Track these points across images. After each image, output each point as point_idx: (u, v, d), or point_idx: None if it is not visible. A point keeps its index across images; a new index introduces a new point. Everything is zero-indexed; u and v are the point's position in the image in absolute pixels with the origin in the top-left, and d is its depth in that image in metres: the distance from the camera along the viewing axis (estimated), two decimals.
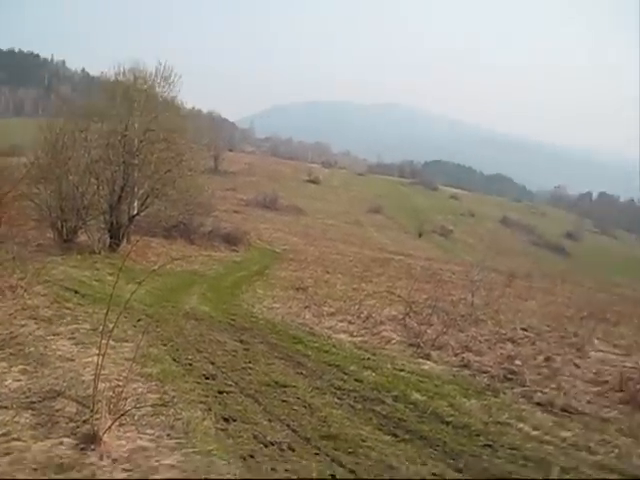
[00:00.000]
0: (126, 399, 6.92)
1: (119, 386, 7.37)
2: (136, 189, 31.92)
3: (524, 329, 19.58)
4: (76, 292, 17.29)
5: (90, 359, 9.54)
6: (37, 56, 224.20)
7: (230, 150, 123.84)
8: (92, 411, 6.38)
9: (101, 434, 6.05)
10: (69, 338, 11.17)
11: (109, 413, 6.37)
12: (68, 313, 13.58)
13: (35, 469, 5.44)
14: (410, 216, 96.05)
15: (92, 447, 5.98)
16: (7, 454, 5.67)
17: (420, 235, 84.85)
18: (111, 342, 11.31)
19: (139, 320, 14.20)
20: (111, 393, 6.95)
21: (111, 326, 12.10)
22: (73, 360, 9.59)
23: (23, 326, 11.49)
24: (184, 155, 32.99)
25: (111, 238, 31.20)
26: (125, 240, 32.14)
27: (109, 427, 6.14)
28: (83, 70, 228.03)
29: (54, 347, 10.28)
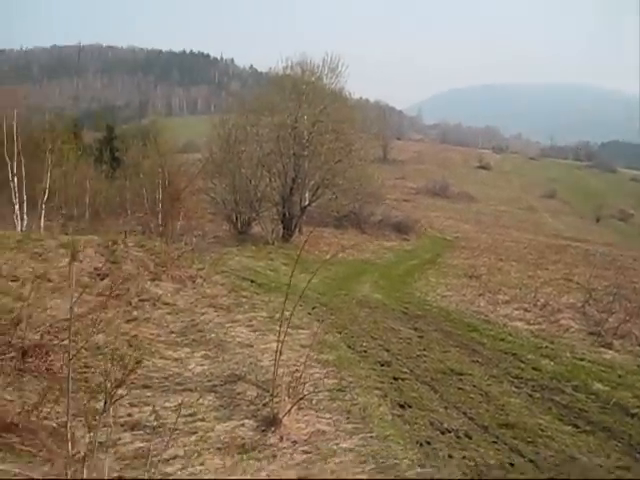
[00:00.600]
0: (304, 384, 7.02)
1: (297, 371, 7.49)
2: (307, 180, 32.45)
3: None
4: (252, 281, 17.79)
5: (268, 345, 9.76)
6: (207, 56, 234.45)
7: (398, 139, 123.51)
8: (272, 395, 6.50)
9: (281, 417, 6.18)
10: (247, 325, 11.49)
11: (288, 397, 6.49)
12: (245, 302, 13.97)
13: (219, 448, 5.63)
14: (586, 200, 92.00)
15: (272, 429, 6.12)
16: (193, 433, 5.91)
17: (598, 220, 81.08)
18: (288, 329, 11.65)
19: (314, 308, 14.47)
20: (289, 378, 7.06)
21: (287, 314, 12.42)
22: (252, 346, 9.85)
23: (203, 314, 11.94)
24: (353, 145, 33.28)
25: (284, 229, 32.00)
26: (297, 231, 32.82)
27: (289, 410, 6.26)
28: (251, 67, 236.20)
29: (233, 334, 10.61)
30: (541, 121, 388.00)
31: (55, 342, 7.83)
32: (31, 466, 4.90)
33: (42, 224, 22.75)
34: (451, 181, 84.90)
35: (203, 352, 9.16)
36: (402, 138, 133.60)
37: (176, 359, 8.68)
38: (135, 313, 10.91)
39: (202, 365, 8.50)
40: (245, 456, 5.56)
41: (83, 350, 8.26)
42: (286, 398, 6.46)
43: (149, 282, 13.67)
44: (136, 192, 32.31)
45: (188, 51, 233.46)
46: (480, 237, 49.26)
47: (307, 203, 32.72)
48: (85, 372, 7.51)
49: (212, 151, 33.67)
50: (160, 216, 30.64)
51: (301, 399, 6.55)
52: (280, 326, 7.41)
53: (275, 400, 6.47)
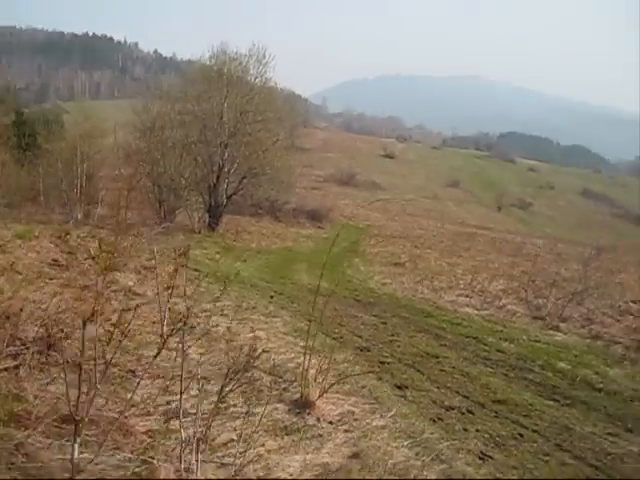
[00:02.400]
0: (328, 369, 7.40)
1: (323, 357, 7.78)
2: (233, 169, 32.57)
3: (634, 302, 19.70)
4: (197, 270, 17.93)
5: (252, 334, 10.13)
6: (111, 39, 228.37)
7: (304, 127, 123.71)
8: (304, 380, 6.90)
9: (314, 400, 6.63)
10: (221, 315, 11.73)
11: (314, 381, 6.93)
12: (205, 291, 14.18)
13: (266, 430, 6.00)
14: (488, 189, 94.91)
15: (307, 412, 6.56)
16: (236, 418, 6.21)
17: (499, 208, 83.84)
18: (261, 317, 12.06)
19: (272, 297, 14.85)
20: (306, 364, 7.40)
21: (252, 302, 12.84)
22: (239, 334, 10.15)
23: (175, 304, 12.12)
24: (279, 135, 33.63)
25: (210, 218, 32.05)
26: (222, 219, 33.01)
27: (321, 394, 6.72)
28: (155, 51, 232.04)
29: (214, 323, 10.87)
30: (443, 113, 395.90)
31: (60, 335, 7.97)
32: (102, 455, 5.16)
33: None
34: (357, 169, 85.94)
35: (195, 342, 9.40)
36: (307, 126, 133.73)
37: (173, 349, 8.91)
38: (114, 304, 11.04)
39: (202, 354, 8.71)
40: (295, 437, 5.99)
41: (86, 342, 8.47)
42: (313, 383, 6.89)
43: (107, 273, 13.75)
44: (53, 179, 31.79)
45: (91, 34, 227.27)
46: (390, 225, 50.28)
47: (233, 192, 32.87)
48: (98, 363, 7.71)
49: (135, 137, 33.38)
50: (82, 205, 30.39)
51: (333, 385, 7.00)
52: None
53: (304, 385, 6.90)
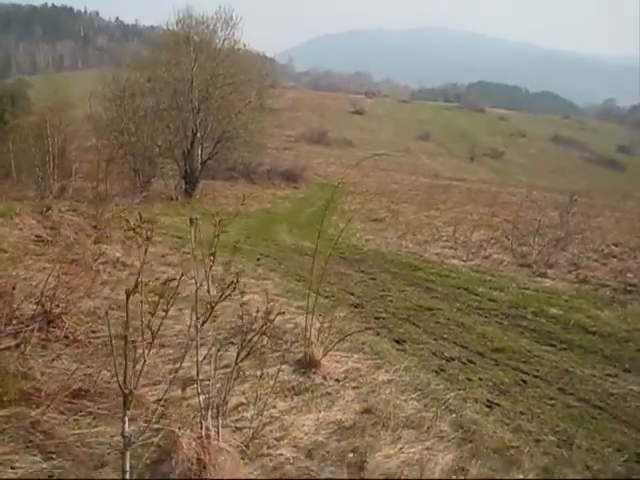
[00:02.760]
0: (330, 328, 7.42)
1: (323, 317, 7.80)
2: (207, 134, 32.36)
3: (615, 245, 19.96)
4: (179, 237, 17.87)
5: (247, 297, 10.10)
6: (71, 9, 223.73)
7: (272, 87, 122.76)
8: (307, 340, 6.92)
9: (318, 359, 6.67)
10: (212, 280, 11.70)
11: (317, 340, 6.97)
12: (190, 258, 14.13)
13: (275, 392, 6.02)
14: (459, 140, 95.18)
15: (313, 371, 6.60)
16: (243, 382, 6.21)
17: (472, 159, 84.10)
18: (252, 280, 12.05)
19: (258, 259, 14.85)
20: (307, 323, 7.41)
21: (240, 266, 12.81)
22: (232, 298, 10.12)
23: (164, 273, 12.08)
24: (251, 97, 33.38)
25: (186, 184, 31.89)
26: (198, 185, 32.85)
27: (326, 352, 6.76)
28: (117, 19, 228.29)
29: (204, 290, 10.83)
30: (409, 66, 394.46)
31: (56, 311, 7.92)
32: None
33: None
34: (328, 127, 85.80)
35: (189, 309, 9.37)
36: (275, 86, 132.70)
37: (171, 317, 8.88)
38: (104, 276, 10.99)
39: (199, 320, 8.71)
40: (304, 396, 6.03)
41: (82, 316, 8.44)
42: (316, 342, 6.93)
43: (93, 245, 13.67)
44: (24, 155, 31.37)
45: (50, 4, 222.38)
46: (365, 181, 50.29)
47: (208, 157, 32.68)
48: (98, 337, 7.69)
49: (105, 107, 32.93)
50: (55, 177, 30.04)
51: (338, 343, 7.05)
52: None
53: (306, 345, 6.93)
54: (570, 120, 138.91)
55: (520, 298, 11.72)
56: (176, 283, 4.31)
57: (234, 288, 4.84)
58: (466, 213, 31.62)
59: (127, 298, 3.78)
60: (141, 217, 3.82)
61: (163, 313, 4.00)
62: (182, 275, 4.55)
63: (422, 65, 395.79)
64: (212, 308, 4.63)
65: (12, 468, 4.41)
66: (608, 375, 7.52)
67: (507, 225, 23.36)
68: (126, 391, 3.80)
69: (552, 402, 6.45)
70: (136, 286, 3.77)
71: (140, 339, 4.28)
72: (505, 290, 12.44)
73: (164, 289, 4.02)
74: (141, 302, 3.92)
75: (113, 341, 4.05)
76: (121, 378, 3.82)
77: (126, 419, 3.85)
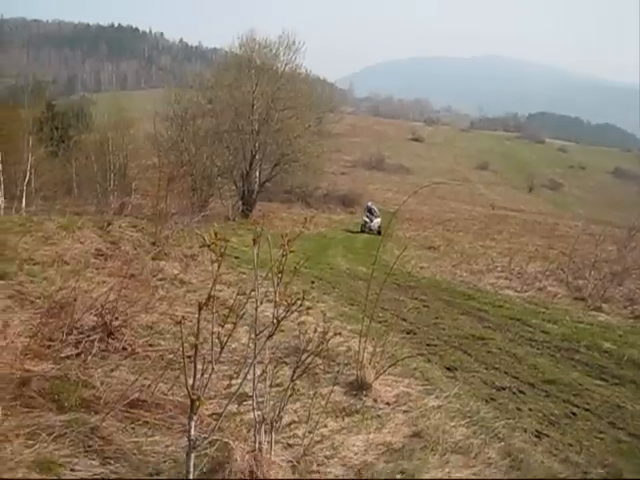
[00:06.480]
0: (382, 352, 7.55)
1: (377, 340, 7.92)
2: (265, 156, 32.82)
3: None
4: (237, 258, 18.12)
5: (301, 319, 10.23)
6: (136, 29, 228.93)
7: (331, 112, 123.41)
8: (360, 363, 7.05)
9: (370, 382, 6.79)
10: (267, 301, 11.87)
11: (369, 363, 7.09)
12: (247, 278, 14.34)
13: (326, 412, 6.14)
14: (517, 171, 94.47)
15: (364, 393, 6.72)
16: (296, 400, 6.33)
17: (530, 190, 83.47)
18: (306, 303, 12.17)
19: (313, 282, 14.98)
20: (361, 347, 7.52)
21: (294, 289, 12.90)
22: (286, 319, 10.26)
23: (220, 291, 12.31)
24: (310, 121, 33.79)
25: (243, 205, 32.34)
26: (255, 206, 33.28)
27: (378, 376, 6.88)
28: (181, 40, 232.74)
29: (258, 310, 10.98)
30: (470, 95, 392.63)
31: (116, 323, 8.18)
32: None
33: (24, 206, 22.67)
34: (386, 153, 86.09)
35: (244, 327, 9.54)
36: (334, 111, 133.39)
37: (226, 334, 9.05)
38: (162, 292, 11.26)
39: (252, 339, 8.86)
40: (355, 417, 6.15)
41: (140, 330, 8.70)
42: (368, 365, 7.05)
43: (152, 261, 14.00)
44: (86, 170, 32.19)
45: (116, 25, 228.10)
46: (421, 209, 50.33)
47: (266, 179, 33.12)
48: (155, 350, 7.92)
49: (166, 127, 33.65)
50: (115, 193, 30.74)
51: (390, 366, 7.17)
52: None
53: (358, 367, 7.06)
54: (631, 153, 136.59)
55: (573, 331, 11.62)
56: (244, 300, 4.50)
57: (300, 304, 4.99)
58: (522, 244, 31.46)
59: (199, 310, 3.99)
60: (216, 235, 4.02)
61: (231, 326, 4.19)
62: (251, 291, 4.75)
63: (480, 94, 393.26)
64: (278, 322, 4.77)
65: (72, 470, 4.62)
66: None
67: (563, 258, 23.13)
68: (194, 397, 3.99)
69: (602, 436, 6.42)
70: (208, 299, 3.97)
71: (207, 350, 4.46)
72: (558, 323, 12.35)
73: (233, 304, 4.24)
74: (212, 314, 4.12)
75: (177, 353, 4.25)
76: (190, 382, 4.02)
77: (192, 423, 4.04)
